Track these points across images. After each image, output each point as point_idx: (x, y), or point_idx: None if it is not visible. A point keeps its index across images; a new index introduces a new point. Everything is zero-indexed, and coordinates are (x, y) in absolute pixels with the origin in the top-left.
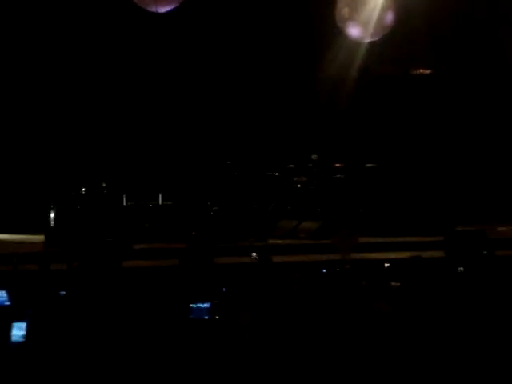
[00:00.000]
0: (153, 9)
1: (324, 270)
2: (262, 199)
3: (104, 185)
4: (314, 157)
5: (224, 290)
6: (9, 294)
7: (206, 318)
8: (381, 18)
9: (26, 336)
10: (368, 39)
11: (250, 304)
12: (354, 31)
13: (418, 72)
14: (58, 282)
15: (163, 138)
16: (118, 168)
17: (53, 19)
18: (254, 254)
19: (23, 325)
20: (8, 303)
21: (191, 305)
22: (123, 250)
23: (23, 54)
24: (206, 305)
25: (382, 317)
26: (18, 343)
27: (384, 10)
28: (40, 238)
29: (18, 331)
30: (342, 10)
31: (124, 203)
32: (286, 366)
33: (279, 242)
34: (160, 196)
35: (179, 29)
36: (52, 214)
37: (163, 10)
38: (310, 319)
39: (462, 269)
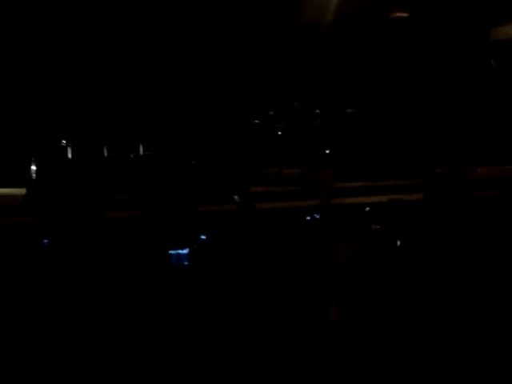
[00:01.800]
0: None
1: (308, 218)
2: (244, 147)
3: (84, 136)
4: (295, 103)
5: (204, 237)
6: None
7: (186, 263)
8: None
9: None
10: None
11: (228, 250)
12: None
13: (396, 15)
14: (41, 233)
15: (144, 88)
16: (97, 119)
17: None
18: (236, 197)
19: None
20: None
21: (170, 251)
22: (106, 200)
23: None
24: (184, 251)
25: (354, 258)
26: None
27: None
28: (21, 191)
29: None
30: None
31: (105, 154)
32: (261, 313)
33: (261, 189)
34: (141, 147)
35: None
36: (33, 167)
37: None
38: (288, 265)
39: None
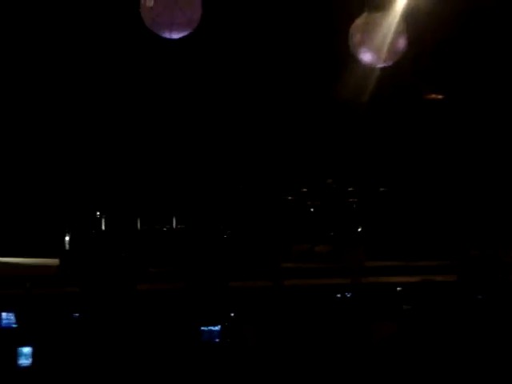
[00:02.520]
0: (166, 35)
1: (339, 295)
2: (276, 223)
3: (118, 208)
4: (328, 181)
5: (233, 314)
6: (16, 316)
7: (217, 340)
8: (393, 44)
9: (33, 360)
10: (381, 65)
11: (260, 327)
12: (366, 57)
13: (430, 97)
14: (71, 304)
15: (178, 163)
16: (132, 192)
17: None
18: None
19: (29, 349)
20: (15, 325)
21: (202, 327)
22: (138, 272)
23: (46, 76)
24: (216, 328)
25: (389, 340)
26: (24, 368)
27: (396, 35)
28: (55, 261)
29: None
30: (355, 35)
31: (138, 227)
32: None
33: (292, 265)
34: (174, 219)
35: (195, 55)
36: (67, 238)
37: (177, 36)
38: (318, 343)
39: (480, 297)
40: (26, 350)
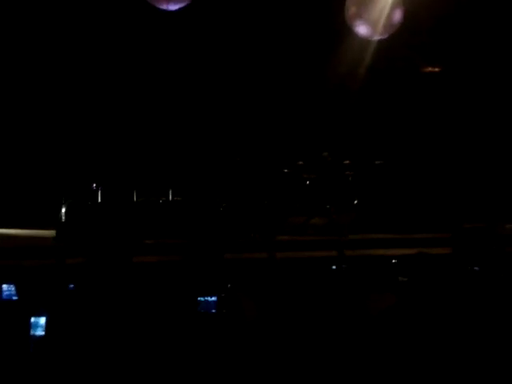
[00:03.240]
0: (163, 6)
1: (334, 267)
2: (272, 195)
3: (114, 180)
4: (324, 154)
5: (230, 285)
6: (17, 288)
7: (213, 311)
8: (389, 16)
9: (46, 330)
10: (377, 37)
11: (256, 298)
12: (362, 30)
13: (427, 70)
14: (68, 276)
15: (173, 134)
16: (127, 163)
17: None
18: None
19: (42, 319)
20: (15, 298)
21: (199, 298)
22: (134, 245)
23: (31, 56)
24: (213, 298)
25: (386, 312)
26: (37, 338)
27: (392, 8)
28: (51, 232)
29: (37, 326)
30: (350, 8)
31: (134, 199)
32: (290, 363)
33: (287, 238)
34: (170, 192)
35: (187, 27)
36: (63, 209)
37: (174, 7)
38: (314, 315)
39: (477, 268)
40: (40, 320)
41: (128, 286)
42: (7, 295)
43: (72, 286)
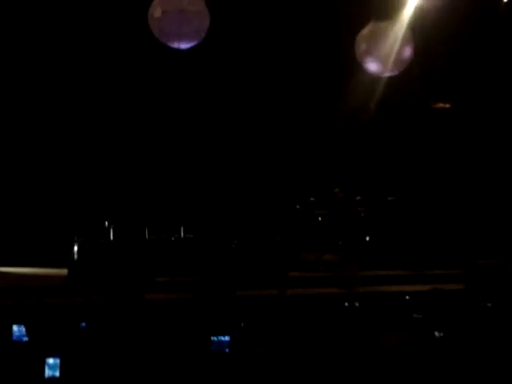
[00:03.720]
0: (175, 45)
1: (346, 304)
2: (284, 232)
3: (127, 217)
4: (336, 190)
5: (243, 324)
6: (27, 329)
7: (227, 351)
8: (399, 54)
9: (61, 372)
10: (387, 74)
11: (268, 338)
12: (372, 67)
13: (437, 105)
14: (80, 314)
15: (186, 172)
16: (140, 201)
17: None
18: None
19: (56, 360)
20: (26, 339)
21: (212, 337)
22: (146, 282)
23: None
24: (226, 338)
25: (399, 348)
26: (53, 379)
27: (402, 45)
28: (63, 271)
29: (52, 367)
30: (361, 45)
31: (146, 236)
32: None
33: (300, 274)
34: (182, 229)
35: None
36: (75, 248)
37: (185, 46)
38: (326, 352)
39: (489, 304)
40: (54, 361)
41: (140, 324)
42: (17, 336)
43: (84, 324)
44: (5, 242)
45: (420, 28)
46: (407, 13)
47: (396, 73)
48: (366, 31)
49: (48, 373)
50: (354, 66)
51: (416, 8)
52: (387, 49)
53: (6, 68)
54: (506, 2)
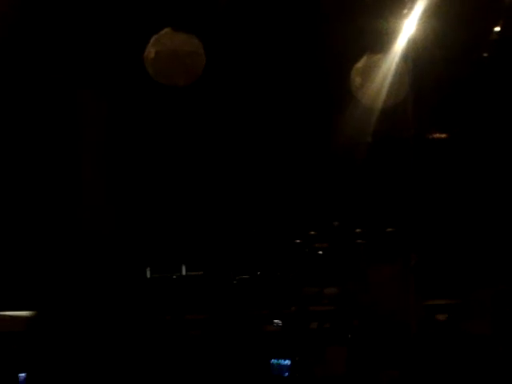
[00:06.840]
0: (173, 84)
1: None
2: (284, 266)
3: (127, 256)
4: (335, 223)
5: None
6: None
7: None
8: (394, 87)
9: None
10: (382, 106)
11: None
12: (367, 99)
13: (433, 136)
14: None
15: (185, 210)
16: (141, 241)
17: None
18: (277, 320)
19: None
20: None
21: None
22: (150, 321)
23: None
24: (286, 362)
25: None
26: None
27: (397, 77)
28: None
29: None
30: (355, 79)
31: (148, 275)
32: None
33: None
34: (184, 267)
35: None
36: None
37: (182, 83)
38: None
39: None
40: None
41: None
42: None
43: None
44: None
45: (415, 61)
46: (401, 45)
47: (391, 105)
48: (360, 65)
49: None
50: (348, 99)
51: (409, 40)
52: (381, 82)
53: None
54: (498, 32)
